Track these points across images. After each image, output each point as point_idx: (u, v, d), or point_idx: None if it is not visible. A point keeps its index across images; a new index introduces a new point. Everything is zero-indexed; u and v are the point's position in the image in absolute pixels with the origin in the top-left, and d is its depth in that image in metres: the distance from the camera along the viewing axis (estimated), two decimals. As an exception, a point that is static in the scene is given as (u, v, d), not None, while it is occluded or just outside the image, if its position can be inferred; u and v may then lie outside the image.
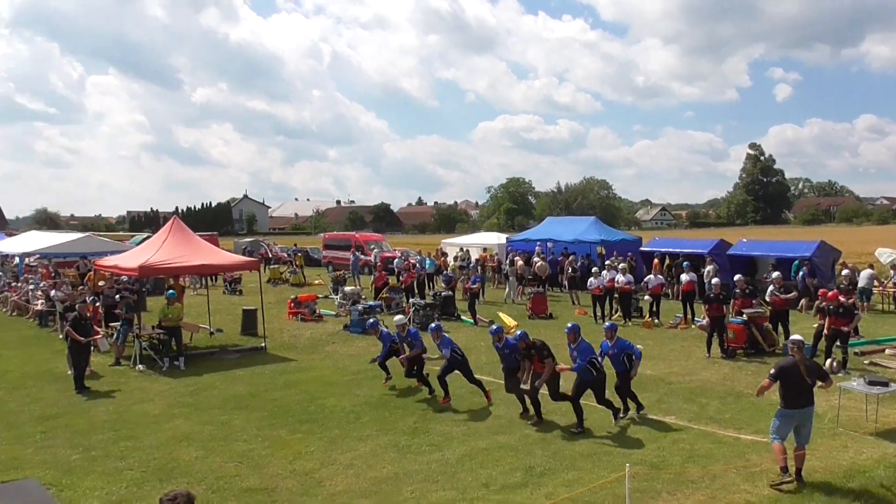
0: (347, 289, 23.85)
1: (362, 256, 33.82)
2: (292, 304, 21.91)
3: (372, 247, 35.64)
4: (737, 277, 17.30)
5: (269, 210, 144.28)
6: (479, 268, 26.12)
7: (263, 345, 17.04)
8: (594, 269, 21.64)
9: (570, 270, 25.38)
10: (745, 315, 15.61)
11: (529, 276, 25.95)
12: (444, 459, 9.30)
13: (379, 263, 28.25)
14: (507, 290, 26.34)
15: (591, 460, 9.18)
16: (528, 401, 11.00)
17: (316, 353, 16.60)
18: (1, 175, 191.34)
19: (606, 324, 11.36)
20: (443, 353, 11.99)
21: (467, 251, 31.07)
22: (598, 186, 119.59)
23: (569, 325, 10.89)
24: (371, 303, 21.27)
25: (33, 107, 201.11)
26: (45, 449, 9.90)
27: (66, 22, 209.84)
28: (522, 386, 10.99)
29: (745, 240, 26.94)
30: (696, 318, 18.65)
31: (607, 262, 22.92)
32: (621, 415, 10.78)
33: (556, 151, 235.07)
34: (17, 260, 27.48)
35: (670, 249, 26.63)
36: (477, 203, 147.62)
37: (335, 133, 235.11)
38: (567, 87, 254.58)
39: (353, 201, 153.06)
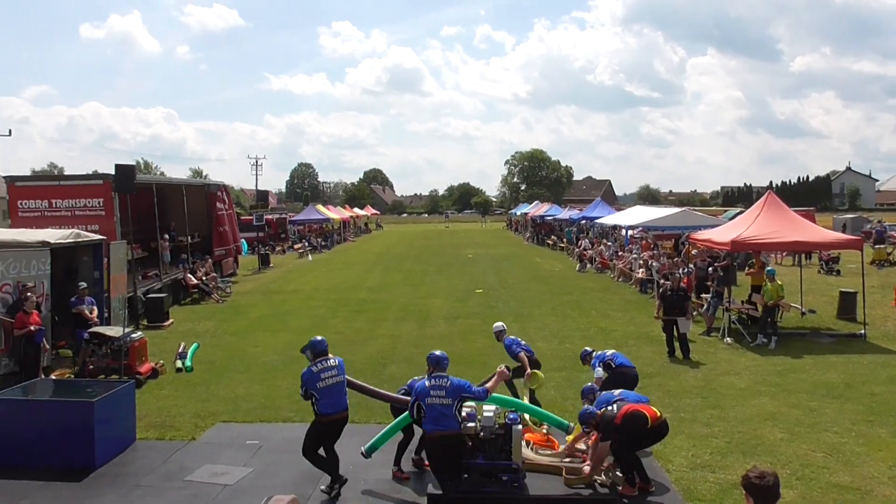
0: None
1: None
2: (901, 290, 19.40)
3: None
4: None
5: (877, 183, 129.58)
6: None
7: (863, 332, 15.50)
8: None
9: None
10: None
11: None
12: None
13: None
14: None
15: None
16: None
17: (931, 349, 14.33)
18: (614, 156, 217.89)
19: None
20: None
21: None
22: None
23: None
24: None
25: (639, 93, 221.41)
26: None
27: (671, 11, 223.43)
28: None
29: None
30: None
31: None
32: None
33: None
34: (624, 231, 30.87)
35: None
36: None
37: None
38: None
39: None
